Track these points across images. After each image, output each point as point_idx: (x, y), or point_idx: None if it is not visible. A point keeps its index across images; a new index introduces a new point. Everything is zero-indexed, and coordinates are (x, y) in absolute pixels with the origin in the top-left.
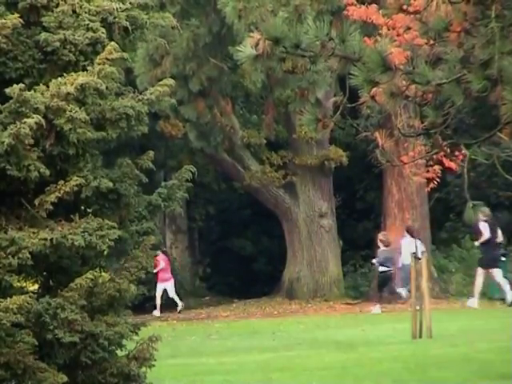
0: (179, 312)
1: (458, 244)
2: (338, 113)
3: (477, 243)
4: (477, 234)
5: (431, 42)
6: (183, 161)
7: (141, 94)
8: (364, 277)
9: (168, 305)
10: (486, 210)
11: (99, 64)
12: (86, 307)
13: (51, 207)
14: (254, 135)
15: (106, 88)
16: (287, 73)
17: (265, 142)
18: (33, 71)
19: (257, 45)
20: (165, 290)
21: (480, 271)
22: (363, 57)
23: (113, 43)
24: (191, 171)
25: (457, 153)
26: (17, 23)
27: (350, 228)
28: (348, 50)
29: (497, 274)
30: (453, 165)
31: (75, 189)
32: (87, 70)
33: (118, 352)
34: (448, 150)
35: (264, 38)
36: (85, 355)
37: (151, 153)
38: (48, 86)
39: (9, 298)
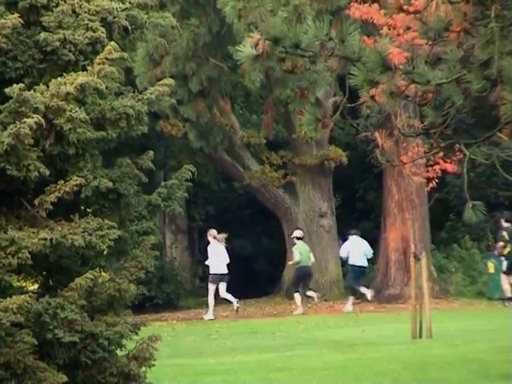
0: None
1: (457, 244)
2: (338, 113)
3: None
4: None
5: (431, 41)
6: (183, 160)
7: (141, 93)
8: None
9: (168, 304)
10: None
11: (99, 64)
12: (85, 307)
13: (51, 207)
14: (254, 135)
15: (106, 88)
16: (287, 73)
17: (264, 141)
18: (32, 71)
19: (256, 45)
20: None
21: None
22: (363, 57)
23: (112, 43)
24: (191, 171)
25: (456, 153)
26: (17, 23)
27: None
28: (348, 50)
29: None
30: (450, 166)
31: (75, 189)
32: (87, 70)
33: (118, 352)
34: (447, 151)
35: (263, 37)
36: (85, 355)
37: (151, 152)
38: (48, 86)
39: (8, 298)
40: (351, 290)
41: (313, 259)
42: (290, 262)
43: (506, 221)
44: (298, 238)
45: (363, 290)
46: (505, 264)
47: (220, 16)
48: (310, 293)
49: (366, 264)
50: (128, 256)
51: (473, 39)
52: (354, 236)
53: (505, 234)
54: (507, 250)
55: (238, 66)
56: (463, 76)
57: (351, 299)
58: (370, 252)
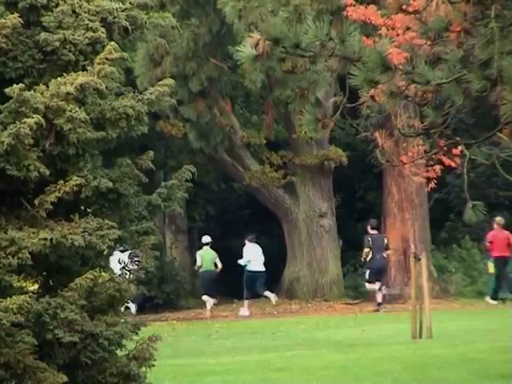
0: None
1: (457, 244)
2: (338, 113)
3: None
4: None
5: (431, 41)
6: (183, 161)
7: (141, 93)
8: (364, 277)
9: (168, 304)
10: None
11: (99, 64)
12: (85, 307)
13: (51, 207)
14: (254, 135)
15: (106, 88)
16: (287, 73)
17: (264, 141)
18: (32, 71)
19: (257, 45)
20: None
21: None
22: (363, 57)
23: (112, 43)
24: (191, 171)
25: (455, 150)
26: (16, 23)
27: (349, 228)
28: (348, 50)
29: None
30: (452, 162)
31: (75, 189)
32: (87, 70)
33: (118, 352)
34: (447, 149)
35: (264, 37)
36: (85, 355)
37: (151, 153)
38: (48, 86)
39: (9, 298)
40: (247, 295)
41: (219, 265)
42: (196, 267)
43: (372, 228)
44: (205, 244)
45: (250, 294)
46: (367, 272)
47: (220, 16)
48: (205, 297)
49: (263, 269)
50: None
51: (473, 39)
52: (250, 243)
53: (369, 240)
54: (369, 257)
55: (238, 66)
56: (463, 76)
57: (246, 303)
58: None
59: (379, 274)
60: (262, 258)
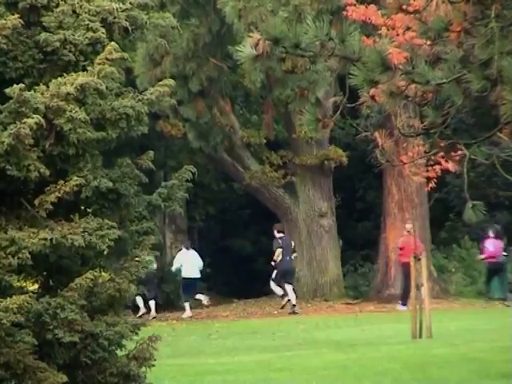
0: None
1: (457, 244)
2: (338, 112)
3: None
4: None
5: (431, 41)
6: (183, 161)
7: (141, 94)
8: (364, 277)
9: (168, 304)
10: None
11: (99, 64)
12: (85, 307)
13: (51, 207)
14: (254, 135)
15: (106, 88)
16: (287, 73)
17: (264, 141)
18: (33, 71)
19: (256, 45)
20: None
21: None
22: (363, 57)
23: (113, 43)
24: (191, 171)
25: (454, 153)
26: (17, 23)
27: (349, 228)
28: (348, 50)
29: None
30: (450, 166)
31: (75, 189)
32: (87, 70)
33: (118, 352)
34: (447, 150)
35: (264, 37)
36: (85, 355)
37: (151, 153)
38: (48, 86)
39: (9, 298)
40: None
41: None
42: None
43: (279, 231)
44: None
45: (199, 296)
46: (274, 273)
47: (220, 16)
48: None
49: (198, 275)
50: (128, 256)
51: (473, 39)
52: (184, 249)
53: (280, 242)
54: (279, 258)
55: (238, 65)
56: (463, 76)
57: (187, 305)
58: (201, 264)
59: (286, 276)
60: (199, 264)
